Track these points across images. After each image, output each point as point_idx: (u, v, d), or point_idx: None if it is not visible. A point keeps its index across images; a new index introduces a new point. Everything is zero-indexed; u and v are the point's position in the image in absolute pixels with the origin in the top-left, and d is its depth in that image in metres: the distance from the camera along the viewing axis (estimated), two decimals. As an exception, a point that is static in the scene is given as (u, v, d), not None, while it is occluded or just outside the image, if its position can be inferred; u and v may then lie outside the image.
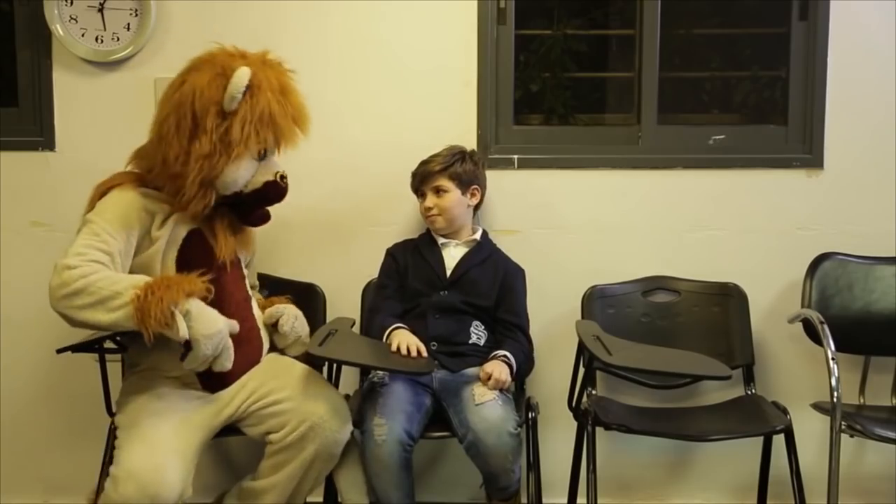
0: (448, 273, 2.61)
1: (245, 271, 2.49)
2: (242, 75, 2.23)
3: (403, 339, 2.41)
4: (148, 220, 2.28)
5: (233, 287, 2.38)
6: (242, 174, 2.31)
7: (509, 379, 2.43)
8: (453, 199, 2.62)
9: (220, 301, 2.26)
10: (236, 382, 2.34)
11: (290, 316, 2.49)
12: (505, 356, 2.47)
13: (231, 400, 2.32)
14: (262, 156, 2.36)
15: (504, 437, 2.30)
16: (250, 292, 2.49)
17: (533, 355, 2.61)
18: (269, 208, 2.47)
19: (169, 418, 2.20)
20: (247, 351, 2.38)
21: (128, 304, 2.06)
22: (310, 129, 2.42)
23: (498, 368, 2.41)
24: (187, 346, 2.11)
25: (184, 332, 2.07)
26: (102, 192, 2.31)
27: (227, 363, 2.18)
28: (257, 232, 2.56)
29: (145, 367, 2.34)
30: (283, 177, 2.39)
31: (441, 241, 2.66)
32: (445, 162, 2.62)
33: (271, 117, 2.29)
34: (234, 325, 2.21)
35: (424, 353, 2.40)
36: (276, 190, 2.38)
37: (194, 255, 2.30)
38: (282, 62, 2.37)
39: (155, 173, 2.31)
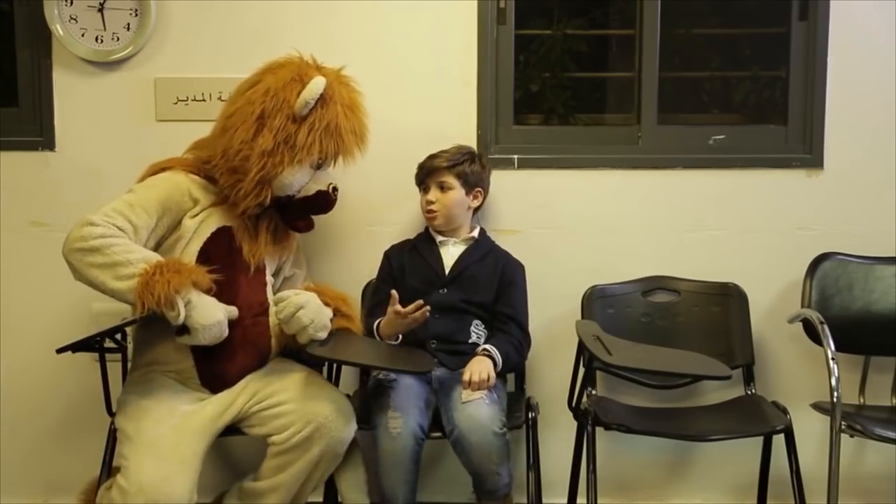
0: (447, 271, 2.62)
1: (270, 279, 2.49)
2: (319, 83, 2.33)
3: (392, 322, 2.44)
4: (189, 205, 2.35)
5: (248, 290, 2.38)
6: (299, 179, 2.39)
7: (492, 373, 2.41)
8: (456, 197, 2.62)
9: (233, 303, 2.29)
10: (238, 384, 2.35)
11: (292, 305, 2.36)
12: (485, 349, 2.47)
13: (232, 402, 2.32)
14: (319, 166, 2.44)
15: (488, 437, 2.29)
16: (271, 302, 2.44)
17: (526, 347, 2.60)
18: (315, 218, 2.55)
19: (172, 425, 2.21)
20: (253, 355, 2.38)
21: (135, 277, 2.12)
22: (366, 150, 2.52)
23: (477, 368, 2.39)
24: (184, 329, 2.18)
25: (182, 318, 2.13)
26: (155, 171, 2.39)
27: (216, 340, 2.24)
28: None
29: (145, 362, 2.36)
30: (335, 189, 2.47)
31: (439, 239, 2.67)
32: (454, 160, 2.62)
33: (337, 130, 2.38)
34: (233, 310, 2.27)
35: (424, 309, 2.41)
36: (325, 199, 2.46)
37: (217, 250, 2.34)
38: (353, 80, 2.48)
39: (213, 164, 2.37)
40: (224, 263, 2.31)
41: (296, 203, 2.44)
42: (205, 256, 2.32)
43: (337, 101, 2.38)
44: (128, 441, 2.21)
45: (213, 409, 2.30)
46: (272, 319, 2.42)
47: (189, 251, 2.32)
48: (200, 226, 2.35)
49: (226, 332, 2.24)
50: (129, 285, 2.12)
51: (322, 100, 2.35)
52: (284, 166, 2.33)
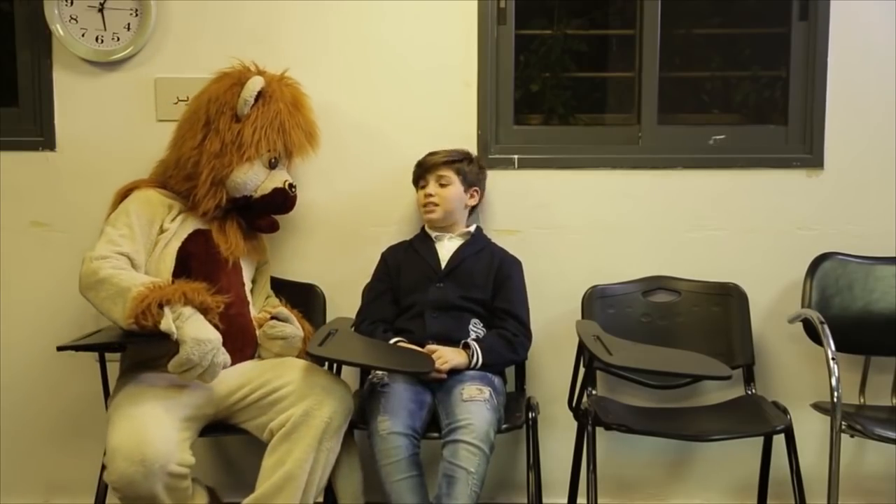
0: (443, 264, 2.62)
1: (245, 276, 2.55)
2: (255, 82, 2.43)
3: None
4: (163, 213, 2.41)
5: (228, 285, 2.43)
6: (252, 178, 2.45)
7: (458, 366, 2.44)
8: (455, 192, 2.64)
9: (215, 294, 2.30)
10: (225, 370, 2.29)
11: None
12: (466, 342, 2.49)
13: (220, 383, 2.29)
14: (273, 165, 2.50)
15: (480, 440, 2.26)
16: (249, 297, 2.54)
17: (523, 342, 2.58)
18: (279, 217, 2.61)
19: (152, 394, 2.23)
20: (241, 344, 2.42)
21: (132, 300, 2.14)
22: (319, 146, 2.60)
23: (446, 353, 2.44)
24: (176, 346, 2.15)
25: (168, 327, 2.12)
26: (123, 194, 2.46)
27: (208, 378, 2.20)
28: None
29: (137, 360, 2.38)
30: (291, 185, 2.53)
31: (435, 234, 2.68)
32: (452, 157, 2.66)
33: (281, 125, 2.46)
34: (227, 357, 2.23)
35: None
36: (283, 197, 2.51)
37: (195, 248, 2.40)
38: (298, 83, 2.57)
39: (169, 175, 2.47)
40: (203, 260, 2.40)
41: (255, 203, 2.50)
42: (183, 254, 2.38)
43: (278, 98, 2.48)
44: (111, 418, 2.22)
45: (200, 389, 2.29)
46: (255, 314, 2.52)
47: (168, 251, 2.38)
48: (179, 228, 2.42)
49: (224, 359, 2.20)
50: (129, 308, 2.14)
51: (262, 98, 2.45)
52: (234, 165, 2.42)
